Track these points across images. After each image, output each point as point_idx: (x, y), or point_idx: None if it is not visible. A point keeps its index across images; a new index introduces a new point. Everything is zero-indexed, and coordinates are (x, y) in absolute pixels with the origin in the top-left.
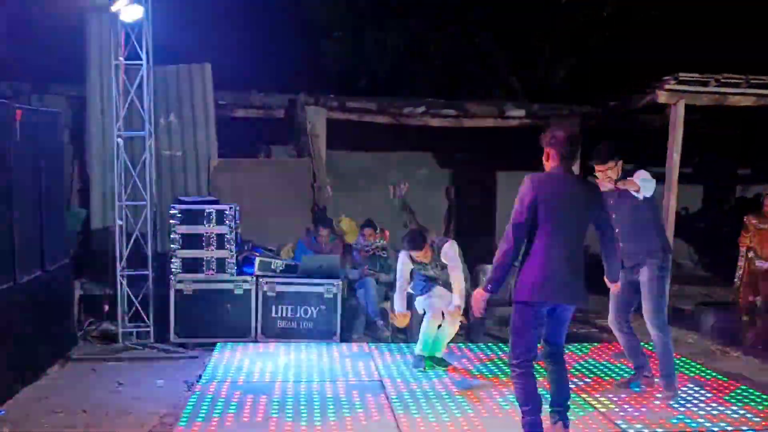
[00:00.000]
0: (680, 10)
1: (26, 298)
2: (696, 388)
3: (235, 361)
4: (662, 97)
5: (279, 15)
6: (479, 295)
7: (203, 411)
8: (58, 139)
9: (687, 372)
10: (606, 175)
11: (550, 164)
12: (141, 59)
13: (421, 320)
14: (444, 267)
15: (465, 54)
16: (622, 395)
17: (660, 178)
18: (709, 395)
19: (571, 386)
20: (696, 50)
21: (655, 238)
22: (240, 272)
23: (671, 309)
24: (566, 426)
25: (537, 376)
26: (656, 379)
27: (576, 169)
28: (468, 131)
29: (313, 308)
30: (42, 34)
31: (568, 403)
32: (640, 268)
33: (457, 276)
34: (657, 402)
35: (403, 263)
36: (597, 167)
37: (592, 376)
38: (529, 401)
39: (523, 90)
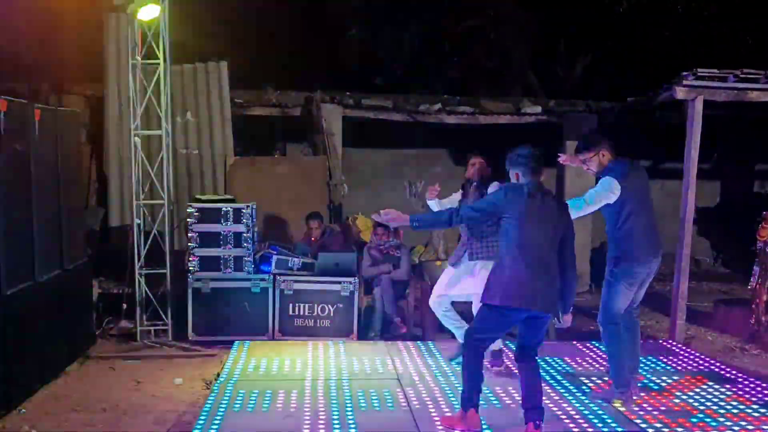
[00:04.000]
0: (700, 5)
1: (45, 296)
2: (716, 386)
3: (253, 359)
4: (680, 92)
5: (295, 13)
6: (401, 215)
7: (222, 409)
8: (76, 138)
9: (706, 370)
10: (586, 165)
11: (521, 181)
12: (158, 58)
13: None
14: None
15: (482, 50)
16: (642, 394)
17: (678, 174)
18: (729, 394)
19: (591, 385)
20: (715, 45)
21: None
22: (257, 270)
23: (689, 307)
24: (537, 426)
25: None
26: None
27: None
28: (484, 128)
29: (330, 306)
30: (60, 34)
31: (541, 405)
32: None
33: None
34: (677, 400)
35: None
36: (579, 156)
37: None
38: (477, 378)
39: (540, 86)
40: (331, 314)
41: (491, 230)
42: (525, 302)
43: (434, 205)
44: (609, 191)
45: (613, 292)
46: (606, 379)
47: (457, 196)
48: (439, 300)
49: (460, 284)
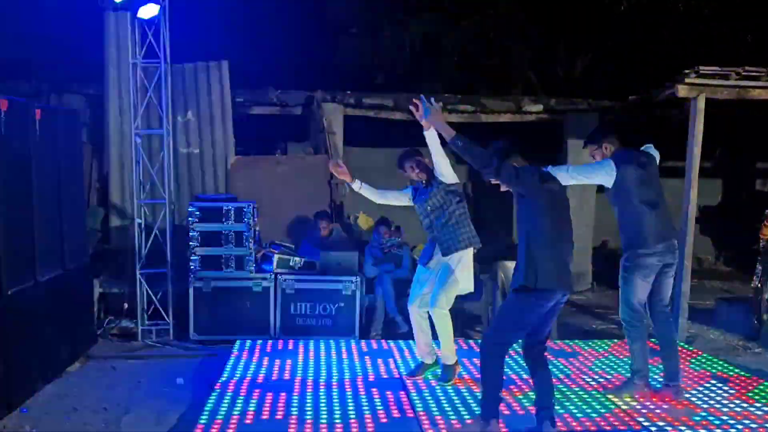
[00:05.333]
0: (700, 4)
1: (47, 296)
2: (719, 385)
3: (255, 359)
4: (682, 90)
5: (296, 12)
6: (446, 128)
7: (223, 409)
8: (76, 138)
9: (709, 368)
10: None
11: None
12: (158, 57)
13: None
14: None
15: (482, 49)
16: (645, 390)
17: (680, 173)
18: (732, 392)
19: (592, 383)
20: (717, 43)
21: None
22: (259, 270)
23: (691, 306)
24: (554, 425)
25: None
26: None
27: None
28: (485, 126)
29: (331, 305)
30: (60, 33)
31: (554, 404)
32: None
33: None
34: (679, 398)
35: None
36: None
37: (613, 373)
38: (499, 384)
39: (540, 85)
40: (333, 313)
41: (458, 220)
42: (565, 284)
43: (367, 191)
44: (602, 169)
45: (629, 285)
46: (608, 377)
47: (406, 191)
48: (417, 302)
49: (431, 280)
